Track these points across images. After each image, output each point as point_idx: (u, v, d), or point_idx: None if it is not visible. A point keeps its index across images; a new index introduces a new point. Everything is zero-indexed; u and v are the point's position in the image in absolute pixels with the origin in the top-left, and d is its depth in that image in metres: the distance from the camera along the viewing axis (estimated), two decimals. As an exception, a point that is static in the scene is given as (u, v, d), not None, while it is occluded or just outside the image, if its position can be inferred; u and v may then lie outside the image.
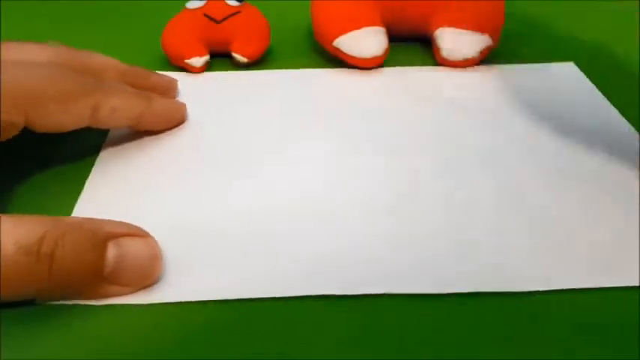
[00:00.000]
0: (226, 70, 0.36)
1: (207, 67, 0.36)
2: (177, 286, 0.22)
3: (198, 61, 0.35)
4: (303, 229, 0.25)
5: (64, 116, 0.26)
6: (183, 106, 0.32)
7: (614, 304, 0.22)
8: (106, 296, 0.22)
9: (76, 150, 0.30)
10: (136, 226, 0.23)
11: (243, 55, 0.36)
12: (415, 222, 0.25)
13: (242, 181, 0.27)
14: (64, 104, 0.26)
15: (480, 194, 0.26)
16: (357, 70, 0.36)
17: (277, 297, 0.22)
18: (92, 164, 0.29)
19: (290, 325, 0.21)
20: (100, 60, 0.30)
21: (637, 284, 0.22)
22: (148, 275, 0.22)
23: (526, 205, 0.26)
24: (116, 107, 0.28)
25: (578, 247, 0.24)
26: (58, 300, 0.22)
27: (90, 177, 0.28)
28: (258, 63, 0.37)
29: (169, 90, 0.33)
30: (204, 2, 0.36)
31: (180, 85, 0.34)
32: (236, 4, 0.36)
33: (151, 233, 0.23)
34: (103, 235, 0.21)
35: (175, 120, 0.31)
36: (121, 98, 0.28)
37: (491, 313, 0.21)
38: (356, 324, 0.21)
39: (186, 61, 0.35)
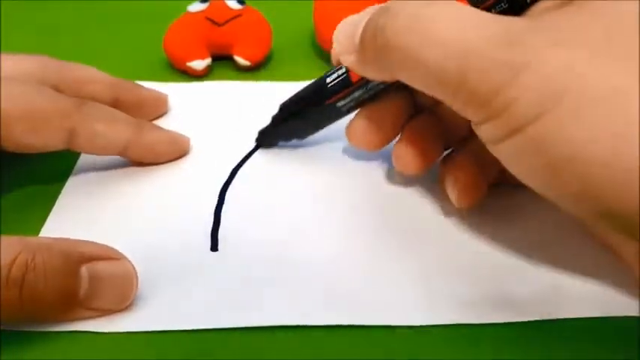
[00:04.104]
0: (228, 73, 0.36)
1: (209, 70, 0.36)
2: (145, 315, 0.22)
3: (199, 64, 0.35)
4: (280, 255, 0.24)
5: (34, 138, 0.25)
6: (184, 140, 0.29)
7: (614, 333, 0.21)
8: (79, 320, 0.21)
9: (48, 167, 0.28)
10: (110, 248, 0.22)
11: (245, 59, 0.36)
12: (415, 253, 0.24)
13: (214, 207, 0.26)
14: (33, 125, 0.25)
15: (481, 221, 0.25)
16: None
17: (260, 326, 0.21)
18: (64, 183, 0.28)
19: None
20: (86, 72, 0.29)
21: (637, 314, 0.22)
22: (123, 299, 0.21)
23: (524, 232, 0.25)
24: (98, 133, 0.26)
25: (579, 276, 0.23)
26: (27, 325, 0.21)
27: (60, 196, 0.27)
28: (259, 66, 0.37)
29: (158, 105, 0.32)
30: (205, 5, 0.36)
31: (172, 98, 0.33)
32: (238, 7, 0.36)
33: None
34: (75, 257, 0.20)
35: (172, 154, 0.29)
36: (105, 124, 0.26)
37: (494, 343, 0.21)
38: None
39: (188, 64, 0.35)
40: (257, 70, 0.36)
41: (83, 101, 0.26)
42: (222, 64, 0.37)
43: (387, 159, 0.28)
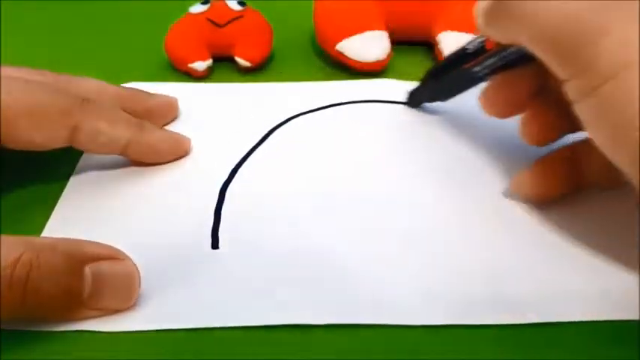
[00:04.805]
0: (229, 74, 0.36)
1: (210, 71, 0.36)
2: (146, 314, 0.21)
3: (201, 65, 0.35)
4: (280, 253, 0.24)
5: (36, 134, 0.25)
6: (184, 141, 0.29)
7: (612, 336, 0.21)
8: (82, 320, 0.21)
9: (49, 167, 0.28)
10: (113, 247, 0.22)
11: (246, 60, 0.36)
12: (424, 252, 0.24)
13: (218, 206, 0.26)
14: (36, 121, 0.24)
15: (489, 225, 0.25)
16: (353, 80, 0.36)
17: (260, 325, 0.21)
18: (66, 183, 0.28)
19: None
20: (88, 85, 0.29)
21: (637, 318, 0.21)
22: (127, 299, 0.21)
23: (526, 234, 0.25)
24: (101, 131, 0.26)
25: (577, 279, 0.23)
26: (30, 325, 0.21)
27: (62, 196, 0.27)
28: (261, 67, 0.37)
29: (169, 112, 0.32)
30: (207, 6, 0.36)
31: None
32: (239, 8, 0.36)
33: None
34: (79, 257, 0.20)
35: (172, 154, 0.29)
36: (107, 122, 0.26)
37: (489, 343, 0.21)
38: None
39: (189, 65, 0.35)
40: (258, 70, 0.36)
41: (86, 99, 0.26)
42: (223, 65, 0.37)
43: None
